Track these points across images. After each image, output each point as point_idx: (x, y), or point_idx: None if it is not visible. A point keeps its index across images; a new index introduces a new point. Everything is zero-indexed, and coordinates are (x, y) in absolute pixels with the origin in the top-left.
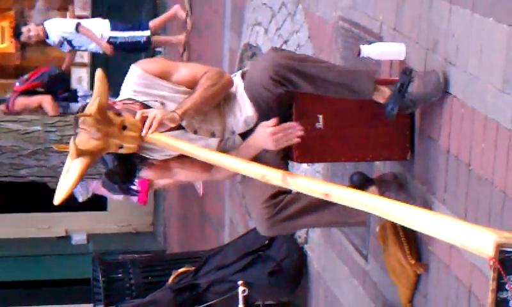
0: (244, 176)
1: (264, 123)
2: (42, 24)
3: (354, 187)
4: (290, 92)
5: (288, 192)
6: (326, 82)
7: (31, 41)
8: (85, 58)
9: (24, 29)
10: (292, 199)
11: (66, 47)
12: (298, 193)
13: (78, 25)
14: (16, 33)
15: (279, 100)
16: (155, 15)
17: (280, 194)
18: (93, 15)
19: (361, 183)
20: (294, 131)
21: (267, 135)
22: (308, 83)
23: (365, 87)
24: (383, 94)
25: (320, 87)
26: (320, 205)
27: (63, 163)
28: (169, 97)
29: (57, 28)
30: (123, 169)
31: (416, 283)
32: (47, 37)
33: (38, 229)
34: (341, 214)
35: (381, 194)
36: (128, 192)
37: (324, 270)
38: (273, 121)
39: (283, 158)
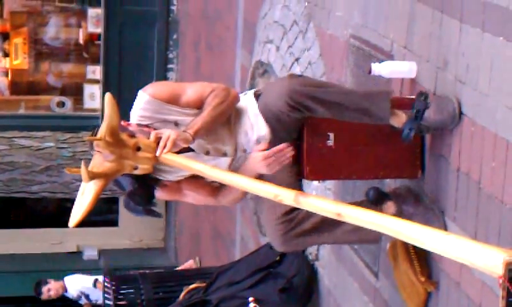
0: None
1: (256, 148)
2: (62, 281)
3: (370, 203)
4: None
5: None
6: (343, 107)
7: (51, 298)
8: (97, 74)
9: (44, 289)
10: (306, 215)
11: (83, 300)
12: None
13: (96, 281)
14: (38, 292)
15: (294, 122)
16: (168, 33)
17: (293, 210)
18: (106, 32)
19: (378, 198)
20: (285, 153)
21: (259, 160)
22: (325, 109)
23: (382, 112)
24: (399, 119)
25: (337, 112)
26: (334, 221)
27: (76, 179)
28: (180, 121)
29: (77, 283)
30: (144, 190)
31: (426, 300)
32: (66, 291)
33: (49, 244)
34: (354, 231)
35: (399, 208)
36: (152, 214)
37: (335, 287)
38: (263, 146)
39: (296, 175)
